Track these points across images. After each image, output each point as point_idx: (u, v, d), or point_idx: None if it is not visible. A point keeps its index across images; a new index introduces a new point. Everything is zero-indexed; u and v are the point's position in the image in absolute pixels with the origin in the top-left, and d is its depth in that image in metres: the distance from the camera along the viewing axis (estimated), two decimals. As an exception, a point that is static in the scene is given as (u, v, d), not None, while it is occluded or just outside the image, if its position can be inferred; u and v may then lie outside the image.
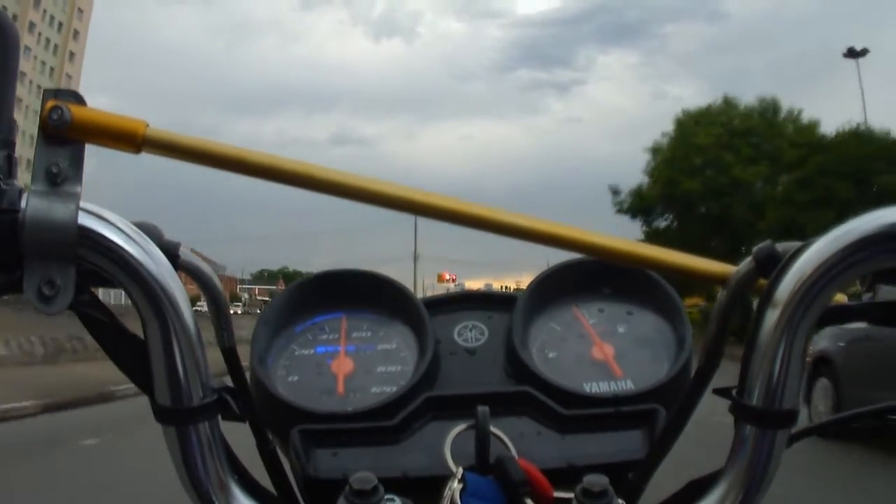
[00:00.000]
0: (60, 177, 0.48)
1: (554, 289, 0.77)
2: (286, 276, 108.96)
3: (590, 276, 0.77)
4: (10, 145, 0.49)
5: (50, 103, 0.50)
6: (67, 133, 0.50)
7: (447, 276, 59.41)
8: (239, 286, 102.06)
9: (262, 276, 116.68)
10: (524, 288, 0.79)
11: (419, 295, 0.79)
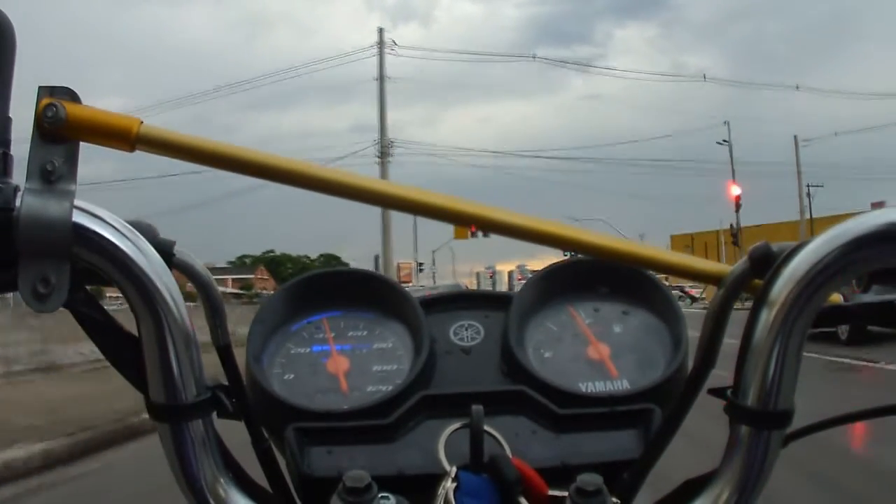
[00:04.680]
0: (55, 175, 0.48)
1: (550, 288, 0.77)
2: (270, 262, 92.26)
3: (586, 275, 0.77)
4: (6, 143, 0.49)
5: (45, 101, 0.50)
6: (62, 131, 0.50)
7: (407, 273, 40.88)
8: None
9: (243, 264, 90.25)
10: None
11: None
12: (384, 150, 32.95)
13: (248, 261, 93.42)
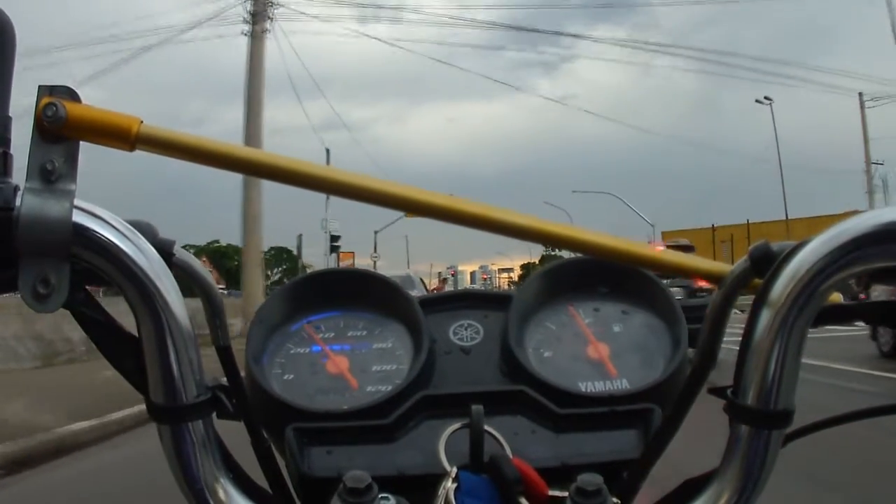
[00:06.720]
0: (55, 174, 0.48)
1: (549, 288, 0.77)
2: (215, 252, 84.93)
3: (585, 275, 0.77)
4: (6, 142, 0.49)
5: (45, 100, 0.49)
6: (62, 130, 0.49)
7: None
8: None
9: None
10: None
11: None
12: (258, 11, 19.41)
13: (191, 251, 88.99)
